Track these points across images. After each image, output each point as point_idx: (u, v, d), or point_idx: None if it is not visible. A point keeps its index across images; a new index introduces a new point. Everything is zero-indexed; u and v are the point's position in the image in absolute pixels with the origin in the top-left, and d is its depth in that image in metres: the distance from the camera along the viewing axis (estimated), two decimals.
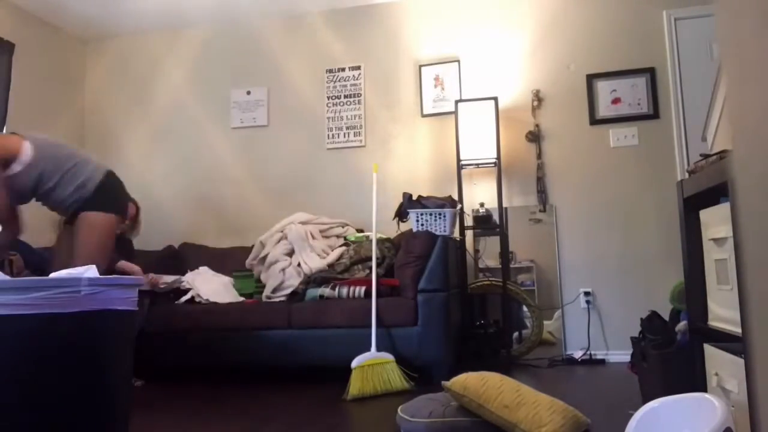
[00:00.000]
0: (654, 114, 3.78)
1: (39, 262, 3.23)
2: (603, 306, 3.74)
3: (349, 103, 4.24)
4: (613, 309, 3.72)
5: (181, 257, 4.08)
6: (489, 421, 1.80)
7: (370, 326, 2.99)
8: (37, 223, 3.72)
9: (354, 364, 2.80)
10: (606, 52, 3.87)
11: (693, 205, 1.90)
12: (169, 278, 3.59)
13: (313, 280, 3.38)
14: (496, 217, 3.77)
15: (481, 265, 3.89)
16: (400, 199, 3.62)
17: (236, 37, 4.48)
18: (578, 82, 3.90)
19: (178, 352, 3.33)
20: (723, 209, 1.65)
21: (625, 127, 3.81)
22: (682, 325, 2.16)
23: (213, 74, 4.50)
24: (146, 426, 2.36)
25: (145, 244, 4.10)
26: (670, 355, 2.13)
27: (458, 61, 4.07)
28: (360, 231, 3.89)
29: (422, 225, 3.42)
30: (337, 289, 3.25)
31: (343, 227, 3.87)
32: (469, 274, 3.78)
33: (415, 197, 3.59)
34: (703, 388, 1.77)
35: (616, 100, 3.83)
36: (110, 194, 2.68)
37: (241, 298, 3.56)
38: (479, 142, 3.73)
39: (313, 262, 3.47)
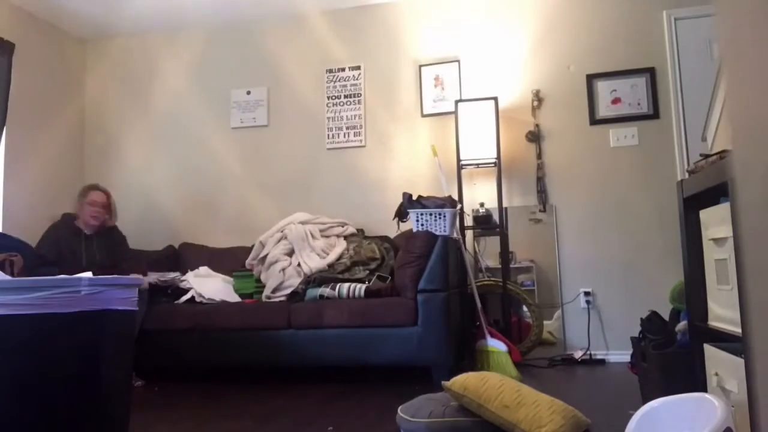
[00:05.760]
0: (654, 114, 3.77)
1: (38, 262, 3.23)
2: (603, 306, 3.74)
3: (349, 103, 4.24)
4: (613, 309, 3.72)
5: (181, 257, 4.08)
6: (489, 421, 1.80)
7: (370, 326, 2.98)
8: (38, 223, 3.72)
9: None
10: (606, 52, 3.87)
11: (693, 205, 1.90)
12: (169, 274, 3.64)
13: (313, 280, 3.38)
14: (496, 217, 3.77)
15: (481, 265, 3.89)
16: (400, 199, 3.62)
17: (236, 37, 4.48)
18: (578, 82, 3.90)
19: (178, 352, 3.33)
20: (723, 209, 1.65)
21: (625, 127, 3.81)
22: (682, 325, 2.15)
23: (213, 74, 4.49)
24: (146, 426, 2.36)
25: (145, 244, 4.10)
26: (670, 355, 2.13)
27: (458, 61, 4.07)
28: (360, 231, 3.89)
29: (422, 225, 3.41)
30: (337, 289, 3.24)
31: (342, 227, 3.87)
32: None
33: (415, 197, 3.59)
34: (703, 388, 1.77)
35: (616, 100, 3.83)
36: None
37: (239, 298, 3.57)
38: (479, 142, 3.73)
39: (313, 262, 3.47)
